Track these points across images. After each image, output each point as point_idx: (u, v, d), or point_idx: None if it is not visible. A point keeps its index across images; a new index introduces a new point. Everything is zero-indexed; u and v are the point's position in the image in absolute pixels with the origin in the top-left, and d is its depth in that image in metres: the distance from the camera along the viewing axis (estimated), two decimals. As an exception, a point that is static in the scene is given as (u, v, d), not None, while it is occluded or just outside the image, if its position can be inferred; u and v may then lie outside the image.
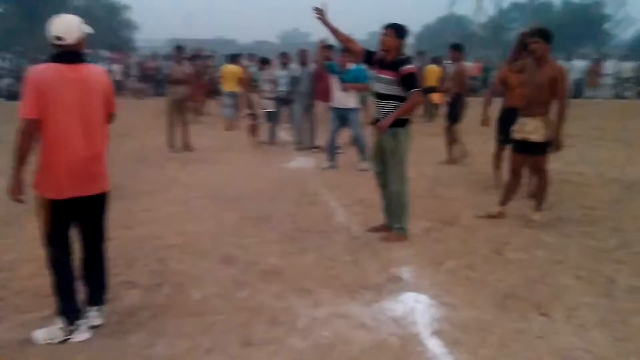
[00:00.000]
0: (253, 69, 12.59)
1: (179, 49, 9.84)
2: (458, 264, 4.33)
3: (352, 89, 7.87)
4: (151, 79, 21.72)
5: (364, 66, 7.22)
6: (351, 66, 7.83)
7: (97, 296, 3.34)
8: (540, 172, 5.34)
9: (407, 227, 4.93)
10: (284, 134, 11.11)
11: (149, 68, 22.49)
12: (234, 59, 13.04)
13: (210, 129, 12.43)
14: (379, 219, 5.18)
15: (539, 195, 5.44)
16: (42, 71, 2.99)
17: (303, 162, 8.62)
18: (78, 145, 3.04)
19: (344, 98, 7.91)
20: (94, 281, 3.35)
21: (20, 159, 2.97)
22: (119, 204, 5.95)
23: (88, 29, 3.11)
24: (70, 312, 3.16)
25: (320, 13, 4.83)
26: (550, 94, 5.05)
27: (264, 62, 10.94)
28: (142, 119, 13.58)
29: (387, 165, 4.85)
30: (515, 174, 5.50)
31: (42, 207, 3.07)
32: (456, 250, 4.65)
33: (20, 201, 3.06)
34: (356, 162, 8.05)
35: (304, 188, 6.89)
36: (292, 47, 14.06)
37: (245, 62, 15.19)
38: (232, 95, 12.60)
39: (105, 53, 25.45)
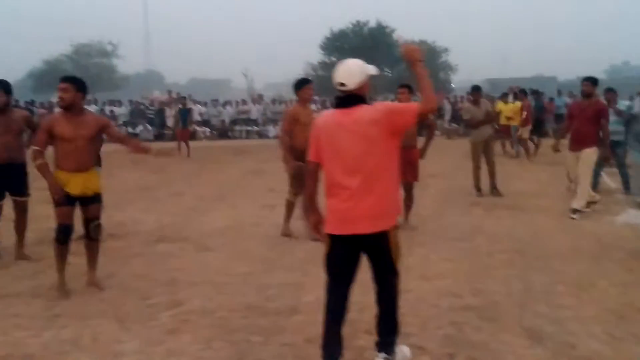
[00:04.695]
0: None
1: (476, 90, 9.26)
2: None
3: None
4: (461, 119, 21.78)
5: None
6: None
7: (384, 340, 3.22)
8: None
9: None
10: (611, 180, 9.53)
11: (459, 109, 22.62)
12: (504, 96, 15.46)
13: (521, 170, 11.56)
14: None
15: None
16: (321, 117, 3.21)
17: (636, 216, 7.10)
18: (341, 190, 3.00)
19: None
20: (382, 321, 3.24)
21: (309, 198, 3.20)
22: (418, 250, 5.77)
23: (373, 71, 3.09)
24: (325, 349, 3.09)
25: None
26: None
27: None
28: (452, 160, 13.47)
29: None
30: None
31: (325, 239, 3.13)
32: None
33: (319, 236, 3.18)
34: None
35: (638, 250, 5.58)
36: (622, 81, 12.48)
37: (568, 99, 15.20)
38: (515, 129, 14.42)
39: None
